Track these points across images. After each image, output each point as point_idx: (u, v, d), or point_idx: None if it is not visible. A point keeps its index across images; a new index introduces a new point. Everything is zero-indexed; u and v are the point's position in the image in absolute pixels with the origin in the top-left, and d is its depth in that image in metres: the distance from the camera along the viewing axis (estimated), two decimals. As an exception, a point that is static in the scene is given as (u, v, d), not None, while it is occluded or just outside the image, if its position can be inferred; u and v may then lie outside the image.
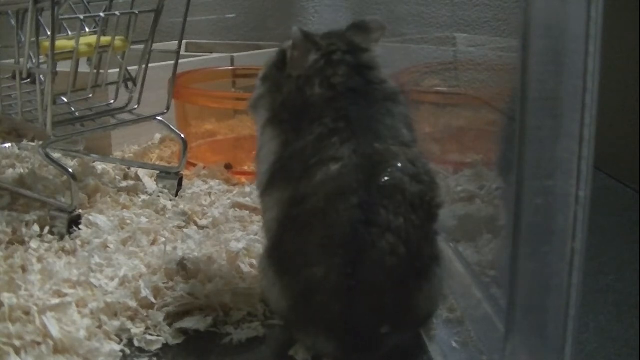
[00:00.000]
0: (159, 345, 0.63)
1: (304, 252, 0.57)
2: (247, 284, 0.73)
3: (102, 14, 0.93)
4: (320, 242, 0.56)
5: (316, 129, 0.59)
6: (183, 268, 0.74)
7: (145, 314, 0.67)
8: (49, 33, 0.84)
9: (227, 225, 0.89)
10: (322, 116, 0.60)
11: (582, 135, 0.44)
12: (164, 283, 0.71)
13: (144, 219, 0.89)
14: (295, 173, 0.59)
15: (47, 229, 0.84)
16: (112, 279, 0.72)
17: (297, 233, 0.58)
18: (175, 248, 0.80)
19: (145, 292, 0.69)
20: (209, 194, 1.01)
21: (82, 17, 0.89)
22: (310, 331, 0.59)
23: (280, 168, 0.61)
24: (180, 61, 1.04)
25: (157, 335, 0.64)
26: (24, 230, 0.83)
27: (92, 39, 0.92)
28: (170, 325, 0.66)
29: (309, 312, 0.58)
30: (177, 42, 1.02)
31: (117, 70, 0.98)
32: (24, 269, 0.74)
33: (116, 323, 0.65)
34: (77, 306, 0.67)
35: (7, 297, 0.65)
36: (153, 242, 0.84)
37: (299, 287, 0.58)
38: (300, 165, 0.58)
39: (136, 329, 0.65)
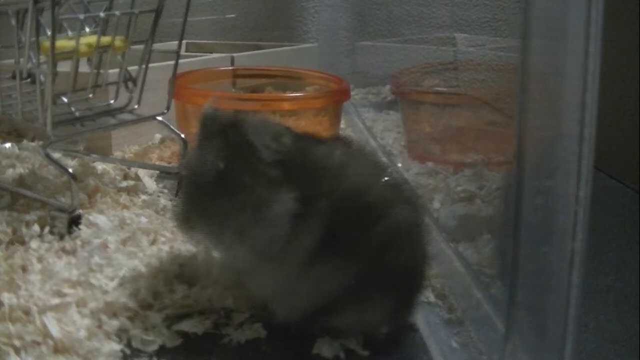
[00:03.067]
0: (155, 347, 0.63)
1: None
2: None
3: (102, 14, 0.93)
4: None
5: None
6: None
7: (144, 315, 0.67)
8: (49, 33, 0.84)
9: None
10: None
11: (582, 135, 0.44)
12: (164, 285, 0.71)
13: (144, 219, 0.89)
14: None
15: (47, 229, 0.84)
16: (112, 279, 0.72)
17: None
18: (174, 248, 0.80)
19: (144, 294, 0.69)
20: (209, 194, 1.01)
21: (82, 17, 0.89)
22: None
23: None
24: (180, 61, 1.04)
25: (155, 337, 0.64)
26: (24, 230, 0.83)
27: (92, 39, 0.92)
28: (168, 327, 0.66)
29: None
30: (177, 42, 1.02)
31: (117, 70, 0.98)
32: (24, 269, 0.74)
33: (116, 323, 0.65)
34: (77, 306, 0.66)
35: (7, 297, 0.65)
36: (153, 242, 0.84)
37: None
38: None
39: (135, 330, 0.65)
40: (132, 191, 1.00)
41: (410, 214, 0.64)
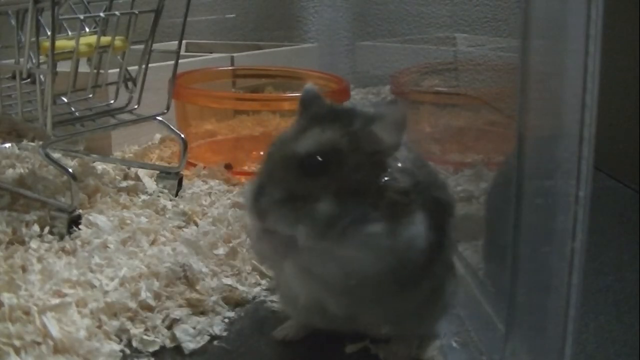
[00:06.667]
0: (156, 347, 0.63)
1: None
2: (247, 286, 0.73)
3: (102, 14, 0.93)
4: None
5: None
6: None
7: (144, 316, 0.67)
8: (49, 33, 0.84)
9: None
10: None
11: (582, 135, 0.44)
12: (164, 286, 0.71)
13: (144, 219, 0.89)
14: None
15: (47, 229, 0.84)
16: (112, 279, 0.72)
17: None
18: (175, 249, 0.80)
19: (144, 295, 0.69)
20: (209, 194, 1.01)
21: (82, 17, 0.89)
22: None
23: None
24: (180, 61, 1.04)
25: (155, 337, 0.64)
26: (24, 230, 0.83)
27: (92, 39, 0.92)
28: (168, 327, 0.66)
29: None
30: (177, 42, 1.02)
31: (117, 70, 0.98)
32: (24, 269, 0.74)
33: (116, 323, 0.65)
34: (77, 306, 0.66)
35: (7, 297, 0.65)
36: (153, 242, 0.84)
37: None
38: None
39: (135, 330, 0.65)
40: (132, 191, 1.00)
41: None
